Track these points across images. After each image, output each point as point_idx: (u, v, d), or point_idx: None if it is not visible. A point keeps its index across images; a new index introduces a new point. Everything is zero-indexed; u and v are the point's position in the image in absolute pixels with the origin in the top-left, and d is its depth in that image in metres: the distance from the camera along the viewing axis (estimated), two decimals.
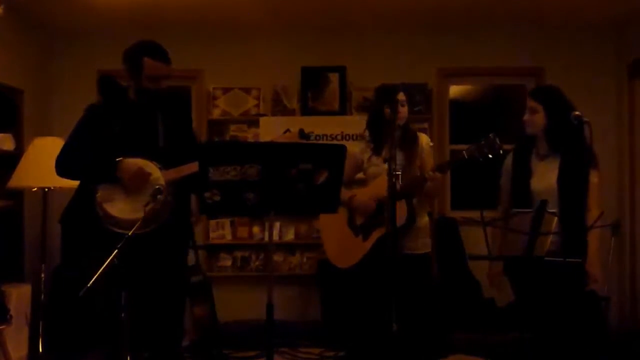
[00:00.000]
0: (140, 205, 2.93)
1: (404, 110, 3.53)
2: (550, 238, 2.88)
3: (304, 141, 3.25)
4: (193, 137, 3.44)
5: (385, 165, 3.43)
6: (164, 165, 3.09)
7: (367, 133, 3.71)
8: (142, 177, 3.02)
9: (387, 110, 3.40)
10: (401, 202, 3.36)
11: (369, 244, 3.50)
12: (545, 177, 3.20)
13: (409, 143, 3.55)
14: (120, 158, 3.05)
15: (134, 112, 3.20)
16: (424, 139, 3.64)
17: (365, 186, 3.63)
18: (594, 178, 3.17)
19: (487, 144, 3.14)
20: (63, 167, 3.17)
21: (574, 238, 3.07)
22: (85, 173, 3.14)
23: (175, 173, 3.08)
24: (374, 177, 3.59)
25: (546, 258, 2.89)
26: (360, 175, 3.74)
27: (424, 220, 3.59)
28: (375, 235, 3.48)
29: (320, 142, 5.46)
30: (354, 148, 3.71)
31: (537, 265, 2.95)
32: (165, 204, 3.03)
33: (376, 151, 3.61)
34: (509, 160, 3.40)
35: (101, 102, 3.30)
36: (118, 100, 3.27)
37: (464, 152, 3.22)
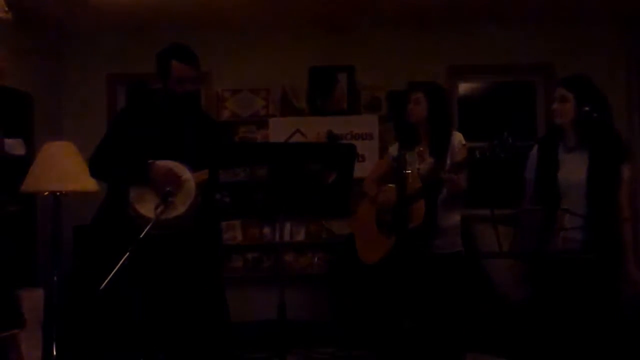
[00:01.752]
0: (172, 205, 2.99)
1: (415, 108, 3.53)
2: (562, 234, 2.85)
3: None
4: (226, 138, 3.47)
5: (416, 165, 3.48)
6: (194, 167, 3.12)
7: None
8: (173, 178, 3.05)
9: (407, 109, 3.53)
10: (420, 202, 3.35)
11: (392, 241, 3.48)
12: (574, 170, 3.08)
13: (439, 142, 3.51)
14: (151, 160, 3.08)
15: (163, 115, 3.24)
16: (457, 137, 3.57)
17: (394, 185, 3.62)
18: (626, 172, 3.08)
19: (499, 143, 3.09)
20: (95, 168, 3.24)
21: (603, 235, 2.98)
22: (116, 174, 3.18)
23: (205, 175, 3.11)
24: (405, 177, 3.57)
25: (561, 255, 2.86)
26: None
27: (453, 219, 3.54)
28: (398, 234, 3.45)
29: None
30: (390, 148, 3.80)
31: (557, 262, 2.92)
32: (194, 205, 3.06)
33: (408, 151, 3.59)
34: (534, 152, 3.30)
35: (132, 105, 3.35)
36: (148, 103, 3.32)
37: (477, 151, 3.18)
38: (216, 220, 3.42)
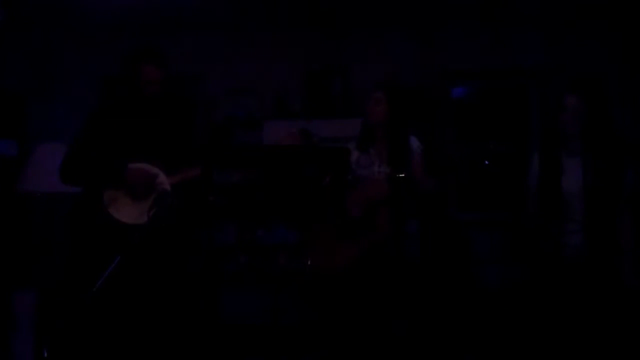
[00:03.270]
0: (147, 208, 2.96)
1: (377, 109, 3.43)
2: (560, 240, 2.84)
3: (307, 141, 3.22)
4: (194, 141, 3.47)
5: (376, 167, 3.40)
6: (167, 169, 3.11)
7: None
8: (148, 181, 3.04)
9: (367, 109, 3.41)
10: (387, 208, 3.28)
11: (356, 249, 3.35)
12: (575, 175, 3.00)
13: (398, 146, 3.42)
14: (124, 163, 3.06)
15: (135, 117, 3.23)
16: (416, 142, 3.50)
17: (355, 189, 3.44)
18: (628, 178, 3.04)
19: (481, 150, 3.05)
20: (66, 173, 3.19)
21: (601, 241, 2.95)
22: (89, 178, 3.15)
23: (179, 177, 3.10)
24: (363, 180, 3.42)
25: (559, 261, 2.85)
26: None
27: (414, 226, 3.48)
28: (364, 240, 3.34)
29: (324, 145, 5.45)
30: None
31: (555, 267, 2.91)
32: (170, 208, 3.05)
33: (363, 153, 3.47)
34: (536, 157, 3.24)
35: (103, 107, 3.34)
36: (120, 105, 3.31)
37: (457, 158, 3.15)
38: (195, 221, 3.41)
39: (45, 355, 4.46)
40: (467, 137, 5.91)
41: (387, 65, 5.81)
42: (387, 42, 5.86)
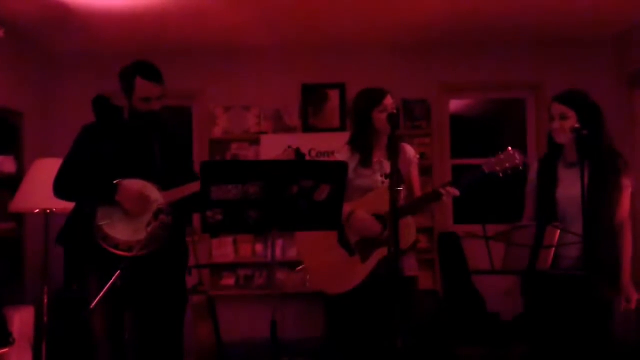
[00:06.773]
0: (142, 226, 2.94)
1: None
2: (555, 251, 2.83)
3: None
4: (190, 159, 3.45)
5: (378, 177, 3.26)
6: (162, 186, 3.08)
7: (351, 141, 3.39)
8: (143, 199, 3.01)
9: (376, 117, 3.21)
10: (408, 220, 3.16)
11: (369, 265, 3.19)
12: (573, 185, 2.95)
13: (395, 152, 3.16)
14: (119, 180, 3.01)
15: (129, 133, 3.18)
16: (411, 151, 3.40)
17: (352, 199, 3.28)
18: (627, 187, 3.04)
19: (506, 158, 2.98)
20: (61, 189, 3.14)
21: (597, 252, 2.89)
22: (83, 195, 3.11)
23: (174, 194, 3.07)
24: (364, 190, 3.28)
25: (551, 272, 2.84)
26: None
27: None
28: (377, 255, 3.18)
29: (322, 159, 5.46)
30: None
31: (548, 279, 2.89)
32: (165, 225, 3.02)
33: (363, 161, 3.31)
34: (534, 167, 3.24)
35: (96, 123, 3.30)
36: (112, 120, 3.27)
37: (483, 166, 3.03)
38: (184, 239, 3.35)
39: None
40: (465, 149, 5.91)
41: (384, 79, 5.82)
42: (384, 56, 5.88)
